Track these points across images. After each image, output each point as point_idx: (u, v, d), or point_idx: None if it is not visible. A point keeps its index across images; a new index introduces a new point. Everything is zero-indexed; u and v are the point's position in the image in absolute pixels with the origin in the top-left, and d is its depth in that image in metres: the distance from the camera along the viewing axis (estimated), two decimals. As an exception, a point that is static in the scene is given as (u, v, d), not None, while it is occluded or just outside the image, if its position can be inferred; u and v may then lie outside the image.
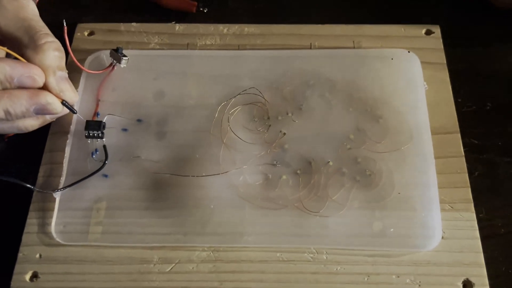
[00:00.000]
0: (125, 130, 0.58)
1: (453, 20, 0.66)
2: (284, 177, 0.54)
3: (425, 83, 0.62)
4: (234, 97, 0.59)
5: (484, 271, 0.52)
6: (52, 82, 0.52)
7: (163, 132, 0.58)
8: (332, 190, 0.54)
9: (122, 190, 0.54)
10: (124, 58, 0.59)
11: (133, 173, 0.55)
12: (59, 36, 0.56)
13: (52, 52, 0.53)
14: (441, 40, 0.64)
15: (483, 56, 0.64)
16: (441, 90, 0.60)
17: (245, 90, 0.59)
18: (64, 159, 0.56)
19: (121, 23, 0.67)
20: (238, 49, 0.64)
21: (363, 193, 0.54)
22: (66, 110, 0.56)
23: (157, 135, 0.58)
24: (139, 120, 0.59)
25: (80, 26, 0.66)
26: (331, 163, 0.55)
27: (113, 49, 0.59)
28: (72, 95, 0.55)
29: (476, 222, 0.52)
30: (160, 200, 0.53)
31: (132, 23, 0.67)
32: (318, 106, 0.59)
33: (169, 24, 0.67)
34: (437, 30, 0.64)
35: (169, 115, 0.58)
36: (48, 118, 0.53)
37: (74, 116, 0.58)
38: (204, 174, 0.54)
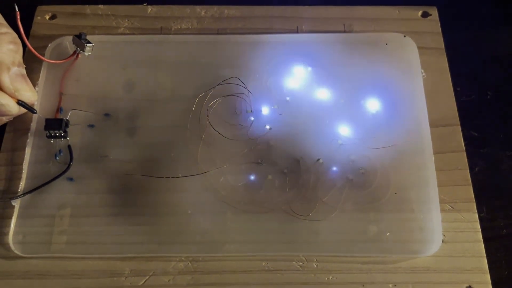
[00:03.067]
0: (91, 126, 0.54)
1: (451, 0, 0.61)
2: (269, 177, 0.50)
3: (422, 70, 0.57)
4: (213, 87, 0.54)
5: (487, 277, 0.48)
6: (5, 81, 0.45)
7: (134, 128, 0.53)
8: (323, 190, 0.50)
9: (89, 195, 0.50)
10: (88, 45, 0.53)
11: (101, 175, 0.51)
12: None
13: (6, 46, 0.46)
14: (439, 23, 0.60)
15: (483, 40, 0.61)
16: (440, 78, 0.56)
17: (226, 80, 0.54)
18: (24, 161, 0.51)
19: (87, 5, 0.61)
20: (217, 33, 0.59)
21: (356, 193, 0.50)
22: (24, 110, 0.50)
23: (127, 132, 0.53)
24: (107, 115, 0.54)
25: (40, 8, 0.61)
26: (321, 161, 0.51)
27: (76, 35, 0.53)
28: (29, 94, 0.49)
29: (478, 223, 0.49)
30: (131, 205, 0.49)
31: (99, 5, 0.61)
32: (306, 97, 0.54)
33: (140, 6, 0.62)
34: (434, 12, 0.60)
35: (141, 109, 0.54)
36: (4, 119, 0.47)
37: (35, 112, 0.50)
38: (180, 175, 0.50)
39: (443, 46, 0.58)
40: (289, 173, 0.51)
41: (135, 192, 0.50)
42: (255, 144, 0.52)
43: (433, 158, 0.51)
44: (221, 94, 0.54)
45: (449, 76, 0.56)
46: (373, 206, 0.49)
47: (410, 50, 0.57)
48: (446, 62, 0.57)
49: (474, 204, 0.50)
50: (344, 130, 0.53)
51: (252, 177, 0.50)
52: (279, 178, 0.50)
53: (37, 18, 0.62)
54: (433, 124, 0.53)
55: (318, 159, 0.51)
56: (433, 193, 0.50)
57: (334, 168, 0.51)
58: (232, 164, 0.51)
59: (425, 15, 0.61)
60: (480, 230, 0.49)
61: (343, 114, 0.53)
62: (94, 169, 0.51)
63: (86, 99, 0.55)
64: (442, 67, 0.57)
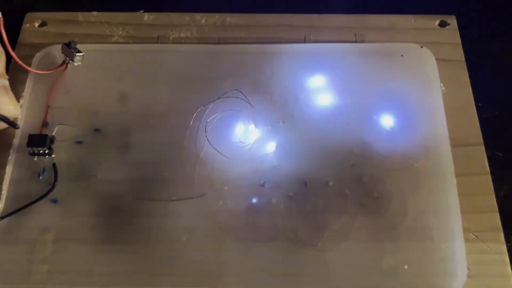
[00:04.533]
0: (79, 143, 0.50)
1: (469, 9, 0.61)
2: (273, 201, 0.46)
3: (442, 84, 0.52)
4: (213, 101, 0.50)
5: (518, 317, 0.43)
6: (-16, 94, 0.41)
7: (126, 145, 0.49)
8: (333, 217, 0.46)
9: (75, 219, 0.46)
10: (78, 54, 0.49)
11: (88, 197, 0.47)
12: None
13: (-16, 56, 0.42)
14: (458, 33, 0.56)
15: (505, 51, 0.58)
16: (461, 93, 0.52)
17: (226, 93, 0.50)
18: (4, 181, 0.47)
19: (79, 12, 0.58)
20: (219, 43, 0.56)
21: (370, 220, 0.46)
22: (5, 124, 0.45)
23: (118, 149, 0.49)
24: (96, 130, 0.50)
25: (30, 15, 0.58)
26: (331, 184, 0.47)
27: (65, 44, 0.49)
28: (11, 107, 0.45)
29: (507, 255, 0.45)
30: (121, 231, 0.45)
31: (93, 12, 0.58)
32: (315, 113, 0.51)
33: (137, 13, 0.58)
34: (452, 21, 0.56)
35: (134, 124, 0.50)
36: (-15, 135, 0.42)
37: (18, 127, 0.48)
38: (174, 198, 0.46)
39: (463, 58, 0.54)
40: (295, 197, 0.47)
41: (125, 216, 0.46)
42: (258, 164, 0.48)
43: (455, 181, 0.47)
44: (221, 108, 0.50)
45: (470, 90, 0.52)
46: (389, 235, 0.45)
47: (428, 62, 0.53)
48: (467, 75, 0.53)
49: (502, 233, 0.46)
50: (356, 150, 0.48)
51: (254, 201, 0.46)
52: (284, 202, 0.46)
53: (26, 26, 0.58)
54: (454, 144, 0.49)
55: (328, 182, 0.47)
56: (456, 220, 0.45)
57: (346, 192, 0.47)
58: (232, 186, 0.47)
59: (443, 24, 0.57)
60: (509, 262, 0.44)
61: (355, 132, 0.49)
62: (80, 190, 0.47)
63: (75, 113, 0.51)
64: (462, 80, 0.53)
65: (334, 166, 0.48)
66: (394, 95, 0.51)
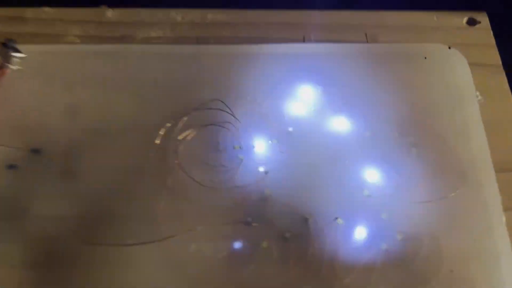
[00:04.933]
0: (12, 167, 0.40)
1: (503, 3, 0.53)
2: (264, 244, 0.37)
3: (478, 93, 0.41)
4: (188, 114, 0.41)
5: None
6: None
7: (72, 170, 0.40)
8: (343, 266, 0.36)
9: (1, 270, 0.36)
10: (16, 55, 0.38)
11: (19, 241, 0.37)
12: None
13: None
14: (491, 32, 0.48)
15: None
16: (501, 104, 0.44)
17: (205, 104, 0.41)
18: None
19: (29, 8, 0.49)
20: (197, 43, 0.47)
21: (393, 271, 0.36)
22: None
23: (62, 176, 0.40)
24: (35, 151, 0.41)
25: None
26: (340, 221, 0.38)
27: (2, 43, 0.38)
28: None
29: None
30: (61, 284, 0.36)
31: (44, 8, 0.49)
32: (317, 128, 0.42)
33: (97, 8, 0.49)
34: (484, 18, 0.50)
35: (84, 143, 0.41)
36: None
37: None
38: (131, 242, 0.36)
39: (500, 62, 0.46)
40: (293, 239, 0.37)
41: (68, 266, 0.36)
42: (244, 195, 0.38)
43: (503, 218, 0.38)
44: (198, 123, 0.41)
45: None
46: None
47: (459, 66, 0.45)
48: (507, 82, 0.45)
49: None
50: (373, 176, 0.40)
51: (238, 245, 0.37)
52: (279, 246, 0.37)
53: (-38, 23, 0.48)
54: (499, 168, 0.40)
55: (336, 218, 0.38)
56: (507, 270, 0.36)
57: (359, 233, 0.37)
58: (209, 226, 0.37)
59: (471, 22, 0.49)
60: None
61: (370, 153, 0.40)
62: (10, 229, 0.37)
63: (9, 129, 0.42)
64: (501, 89, 0.45)
65: (344, 197, 0.39)
66: (417, 107, 0.42)
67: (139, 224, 0.37)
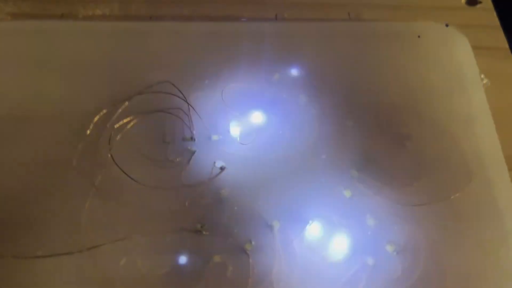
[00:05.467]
0: None
1: None
2: (217, 258, 0.29)
3: (483, 76, 0.34)
4: (130, 99, 0.34)
5: None
6: None
7: None
8: (321, 285, 0.28)
9: None
10: None
11: None
12: None
13: None
14: (495, 13, 0.42)
15: None
16: (510, 91, 0.37)
17: (152, 86, 0.34)
18: None
19: None
20: (151, 19, 0.40)
21: None
22: None
23: None
24: None
25: None
26: (314, 229, 0.30)
27: None
28: None
29: None
30: None
31: None
32: (290, 117, 0.34)
33: None
34: None
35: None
36: None
37: None
38: (43, 253, 0.28)
39: (507, 45, 0.40)
40: (254, 252, 0.29)
41: None
42: (195, 197, 0.31)
43: None
44: (141, 110, 0.34)
45: None
46: None
47: (459, 46, 0.38)
48: None
49: None
50: (357, 172, 0.32)
51: (183, 259, 0.29)
52: (236, 261, 0.28)
53: None
54: None
55: (309, 223, 0.29)
56: None
57: (339, 243, 0.29)
58: (148, 234, 0.29)
59: (471, 2, 0.43)
60: None
61: (353, 146, 0.33)
62: None
63: None
64: (509, 74, 0.38)
65: (320, 200, 0.31)
66: (410, 92, 0.34)
67: (58, 230, 0.29)
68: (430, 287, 0.28)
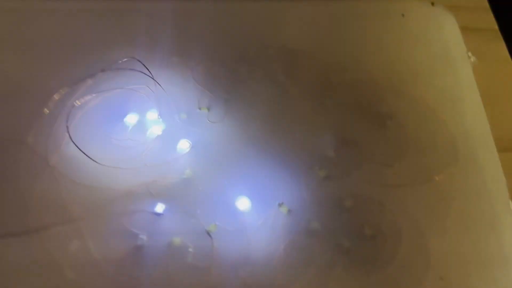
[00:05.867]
0: None
1: None
2: (177, 241, 0.26)
3: (470, 54, 0.32)
4: (92, 76, 0.32)
5: None
6: None
7: None
8: (289, 270, 0.25)
9: None
10: None
11: None
12: None
13: None
14: None
15: None
16: (501, 71, 0.35)
17: (116, 63, 0.32)
18: None
19: None
20: None
21: (358, 279, 0.25)
22: None
23: None
24: None
25: None
26: (284, 209, 0.27)
27: None
28: None
29: None
30: None
31: None
32: (264, 96, 0.32)
33: None
34: None
35: None
36: None
37: None
38: None
39: (497, 27, 0.38)
40: (219, 234, 0.26)
41: None
42: (157, 177, 0.28)
43: (510, 205, 0.28)
44: (104, 86, 0.32)
45: None
46: None
47: (445, 24, 0.36)
48: (505, 47, 0.37)
49: None
50: (332, 152, 0.29)
51: (140, 243, 0.26)
52: (198, 243, 0.26)
53: None
54: (502, 147, 0.31)
55: (281, 204, 0.27)
56: None
57: (313, 226, 0.27)
58: (103, 216, 0.26)
59: None
60: None
61: (330, 124, 0.31)
62: None
63: None
64: (501, 55, 0.36)
65: (292, 178, 0.28)
66: (393, 71, 0.32)
67: (4, 210, 0.27)
68: (412, 270, 0.25)
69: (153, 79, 0.32)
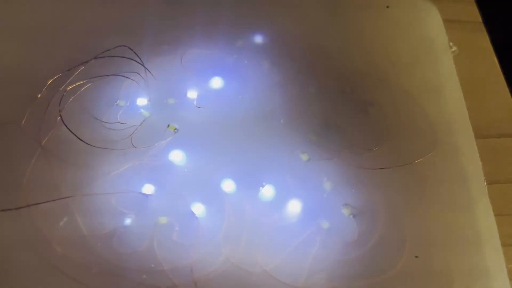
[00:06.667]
0: None
1: None
2: (163, 220, 0.27)
3: (452, 44, 0.33)
4: (85, 63, 0.33)
5: None
6: None
7: None
8: (268, 250, 0.26)
9: None
10: None
11: None
12: None
13: None
14: None
15: None
16: (482, 62, 0.36)
17: (107, 51, 0.33)
18: None
19: None
20: None
21: (336, 257, 0.26)
22: None
23: None
24: None
25: None
26: (267, 191, 0.28)
27: None
28: None
29: None
30: None
31: None
32: (251, 82, 0.33)
33: None
34: None
35: None
36: None
37: None
38: None
39: (480, 19, 0.39)
40: (204, 214, 0.27)
41: None
42: (144, 158, 0.29)
43: (485, 190, 0.29)
44: (97, 74, 0.32)
45: (495, 59, 0.37)
46: (373, 283, 0.25)
47: (428, 15, 0.37)
48: (488, 40, 0.38)
49: None
50: (315, 136, 0.30)
51: (128, 221, 0.27)
52: (184, 222, 0.27)
53: None
54: (480, 134, 0.32)
55: (263, 185, 0.28)
56: (492, 257, 0.27)
57: (293, 205, 0.28)
58: (92, 196, 0.27)
59: None
60: None
61: (314, 111, 0.32)
62: None
63: None
64: (483, 47, 0.37)
65: (275, 162, 0.29)
66: (376, 60, 0.33)
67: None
68: (388, 251, 0.26)
69: (143, 66, 0.33)
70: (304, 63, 0.33)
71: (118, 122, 0.30)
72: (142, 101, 0.31)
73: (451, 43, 0.35)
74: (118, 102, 0.31)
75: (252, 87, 0.32)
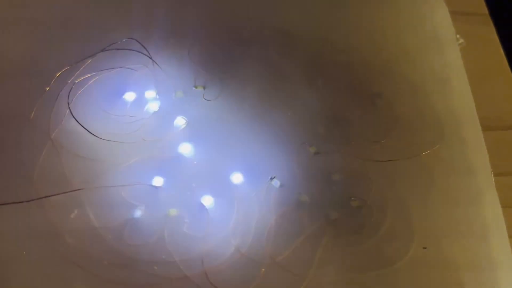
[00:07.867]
0: None
1: None
2: (173, 212, 0.27)
3: (459, 36, 0.33)
4: (93, 56, 0.33)
5: None
6: None
7: None
8: (278, 240, 0.27)
9: None
10: None
11: None
12: None
13: None
14: None
15: None
16: (489, 55, 0.36)
17: (115, 43, 0.33)
18: None
19: None
20: None
21: (345, 247, 0.27)
22: None
23: None
24: None
25: None
26: (277, 183, 0.29)
27: None
28: None
29: None
30: None
31: None
32: (258, 75, 0.33)
33: None
34: None
35: None
36: None
37: None
38: None
39: (487, 11, 0.38)
40: (213, 206, 0.28)
41: None
42: (154, 151, 0.29)
43: (492, 182, 0.29)
44: (105, 66, 0.33)
45: (501, 51, 0.36)
46: (380, 274, 0.26)
47: (436, 9, 0.37)
48: (494, 32, 0.37)
49: None
50: (323, 129, 0.31)
51: (138, 213, 0.27)
52: (193, 214, 0.27)
53: None
54: (487, 126, 0.32)
55: (272, 178, 0.28)
56: (499, 248, 0.27)
57: (303, 198, 0.28)
58: (102, 189, 0.28)
59: None
60: None
61: (322, 103, 0.32)
62: None
63: None
64: (489, 38, 0.37)
65: (284, 155, 0.29)
66: (383, 52, 0.33)
67: (8, 180, 0.28)
68: (396, 242, 0.27)
69: (151, 59, 0.33)
70: (311, 55, 0.34)
71: (127, 115, 0.30)
72: (150, 94, 0.31)
73: (458, 35, 0.35)
74: (126, 94, 0.31)
75: (259, 79, 0.32)
